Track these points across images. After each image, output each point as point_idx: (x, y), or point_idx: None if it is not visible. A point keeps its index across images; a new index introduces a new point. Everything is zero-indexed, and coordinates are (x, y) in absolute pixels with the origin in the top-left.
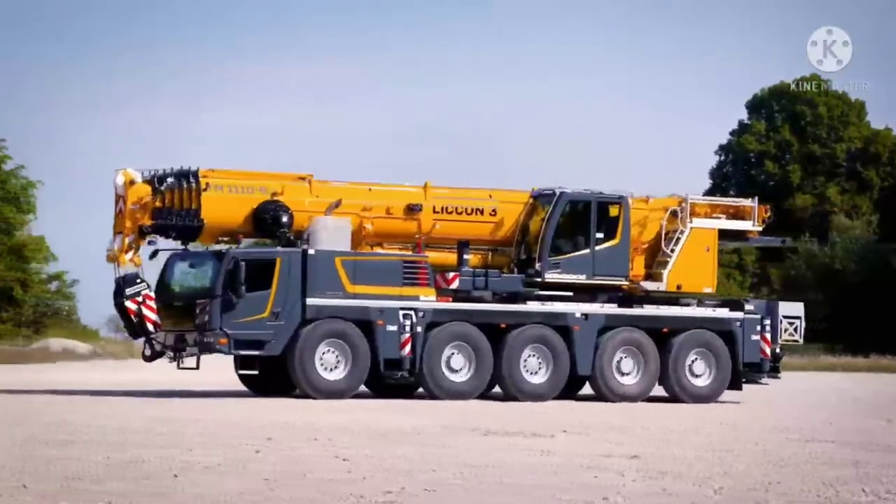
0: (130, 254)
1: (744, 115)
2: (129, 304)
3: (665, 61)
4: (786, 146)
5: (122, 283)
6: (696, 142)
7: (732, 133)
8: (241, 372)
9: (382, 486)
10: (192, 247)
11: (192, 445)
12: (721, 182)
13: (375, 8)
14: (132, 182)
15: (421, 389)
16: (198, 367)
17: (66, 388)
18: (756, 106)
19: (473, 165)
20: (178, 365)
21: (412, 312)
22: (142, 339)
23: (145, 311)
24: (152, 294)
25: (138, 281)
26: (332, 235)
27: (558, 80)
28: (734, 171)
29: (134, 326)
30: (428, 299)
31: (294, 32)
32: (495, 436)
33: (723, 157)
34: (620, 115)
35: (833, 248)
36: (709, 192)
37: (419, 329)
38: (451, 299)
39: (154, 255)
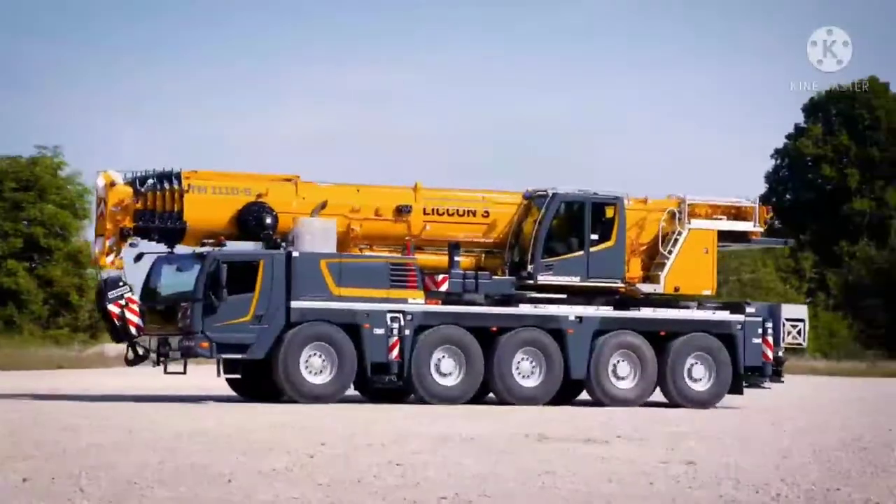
0: (111, 256)
1: (800, 118)
2: (112, 308)
3: (720, 64)
4: (843, 150)
5: (104, 287)
6: (751, 145)
7: (788, 137)
8: (228, 376)
9: (437, 492)
10: (180, 249)
11: (245, 450)
12: (777, 186)
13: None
14: (113, 184)
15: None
16: (185, 372)
17: (120, 392)
18: (813, 109)
19: (519, 169)
20: (165, 369)
21: (400, 315)
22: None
23: (128, 315)
24: (135, 297)
25: (121, 284)
26: (317, 237)
27: (610, 84)
28: (790, 176)
29: (117, 330)
30: (416, 302)
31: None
32: (549, 441)
33: (779, 161)
34: (675, 119)
35: (892, 253)
36: (765, 197)
37: (407, 332)
38: (440, 302)
39: (139, 258)
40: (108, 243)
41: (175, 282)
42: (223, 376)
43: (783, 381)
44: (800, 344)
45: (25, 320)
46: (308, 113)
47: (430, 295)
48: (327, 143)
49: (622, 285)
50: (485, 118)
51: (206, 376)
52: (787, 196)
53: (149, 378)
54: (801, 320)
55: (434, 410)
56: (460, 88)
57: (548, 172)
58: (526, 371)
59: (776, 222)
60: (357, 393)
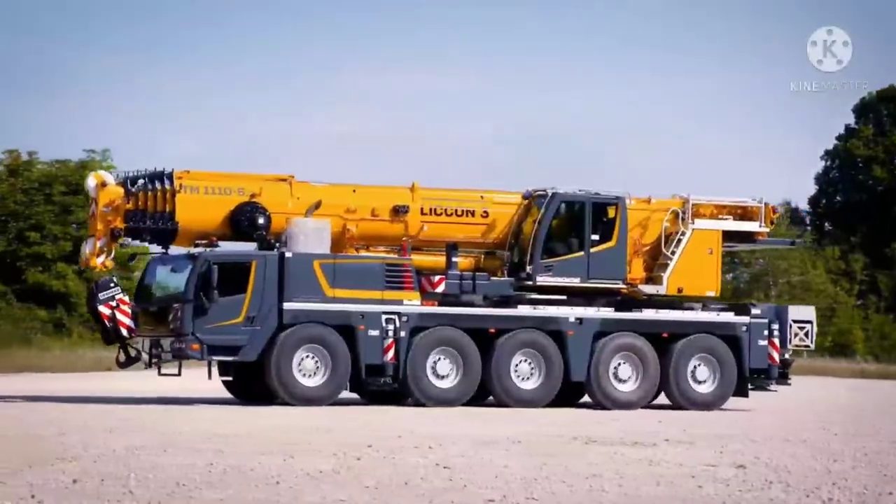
0: (102, 257)
1: (850, 119)
2: (103, 309)
3: (772, 64)
4: (895, 150)
5: (95, 288)
6: (801, 146)
7: (839, 138)
8: (224, 378)
9: (484, 495)
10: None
11: (293, 452)
12: (827, 187)
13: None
14: (104, 184)
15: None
16: (179, 374)
17: (168, 395)
18: (863, 110)
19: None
20: (159, 371)
21: (395, 317)
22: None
23: (119, 316)
24: (126, 298)
25: (112, 285)
26: (310, 238)
27: (664, 83)
28: (841, 177)
29: (107, 332)
30: (412, 303)
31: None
32: (596, 444)
33: (829, 163)
34: (725, 119)
35: None
36: (814, 199)
37: (403, 334)
38: (436, 303)
39: (132, 258)
40: (98, 244)
41: (168, 283)
42: (220, 378)
43: (790, 384)
44: (808, 346)
45: (75, 323)
46: (327, 115)
47: (427, 296)
48: (343, 145)
49: (623, 286)
50: (496, 120)
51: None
52: (838, 198)
53: (196, 381)
54: (809, 322)
55: (476, 413)
56: (467, 91)
57: (578, 176)
58: (525, 373)
59: (826, 224)
60: (353, 395)
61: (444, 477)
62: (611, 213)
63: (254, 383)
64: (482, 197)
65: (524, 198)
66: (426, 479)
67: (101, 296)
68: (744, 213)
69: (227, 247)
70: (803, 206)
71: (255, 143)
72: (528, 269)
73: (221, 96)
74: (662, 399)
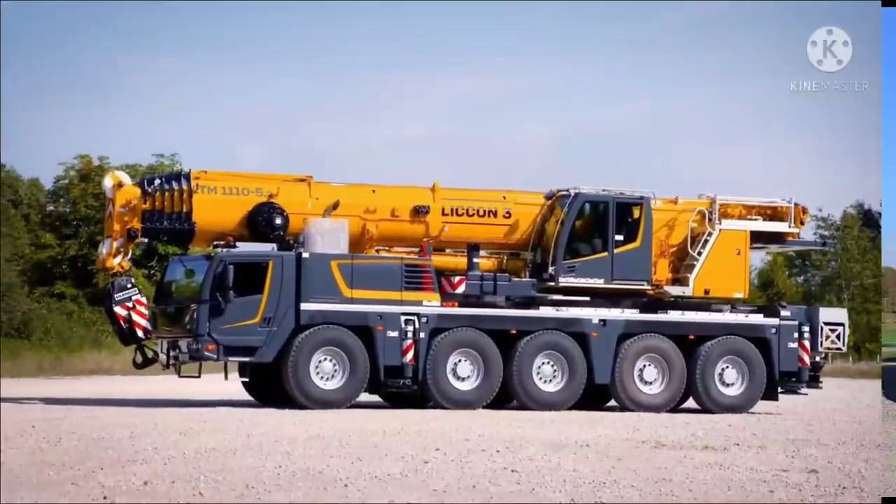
0: (119, 258)
1: None
2: (118, 310)
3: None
4: None
5: (112, 289)
6: (876, 147)
7: None
8: (243, 380)
9: (553, 498)
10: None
11: (361, 455)
12: None
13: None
14: (121, 184)
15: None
16: (199, 376)
17: (234, 398)
18: None
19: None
20: (179, 374)
21: (414, 318)
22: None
23: (135, 317)
24: (143, 300)
25: (128, 286)
26: (327, 238)
27: (725, 88)
28: None
29: (123, 333)
30: (431, 304)
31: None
32: (666, 448)
33: None
34: (798, 120)
35: None
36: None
37: (422, 335)
38: (457, 304)
39: (144, 247)
40: (115, 245)
41: (184, 283)
42: (239, 380)
43: (821, 387)
44: (839, 348)
45: None
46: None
47: (447, 297)
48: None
49: (648, 287)
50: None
51: (225, 380)
52: None
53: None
54: (841, 324)
55: (542, 416)
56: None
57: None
58: (547, 375)
59: None
60: (373, 398)
61: (511, 481)
62: (635, 213)
63: (272, 385)
64: (504, 197)
65: (547, 198)
66: (494, 482)
67: (117, 297)
68: (773, 214)
69: (246, 247)
70: (877, 208)
71: (320, 150)
72: (551, 269)
73: (286, 101)
74: (690, 403)
